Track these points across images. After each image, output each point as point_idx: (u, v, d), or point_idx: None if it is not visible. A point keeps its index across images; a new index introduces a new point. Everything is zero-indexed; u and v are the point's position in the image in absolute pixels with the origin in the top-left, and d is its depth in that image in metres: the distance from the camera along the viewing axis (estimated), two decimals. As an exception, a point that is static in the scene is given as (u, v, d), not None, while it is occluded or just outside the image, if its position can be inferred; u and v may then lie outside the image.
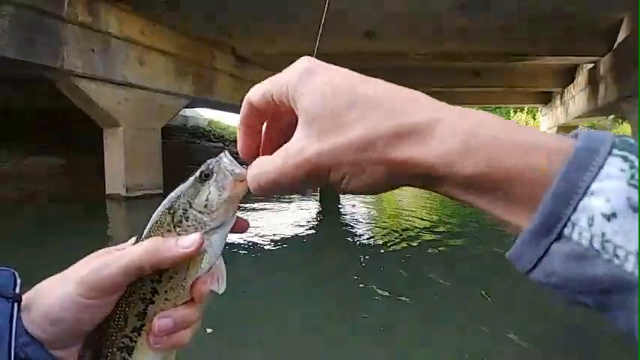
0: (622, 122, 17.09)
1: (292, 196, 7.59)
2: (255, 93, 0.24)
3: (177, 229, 0.27)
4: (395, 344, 1.75)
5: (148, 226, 0.28)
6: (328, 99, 0.20)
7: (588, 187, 0.14)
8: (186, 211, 0.26)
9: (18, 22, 4.74)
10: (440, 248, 3.62)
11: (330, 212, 6.27)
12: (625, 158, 0.14)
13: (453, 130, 0.18)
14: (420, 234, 4.11)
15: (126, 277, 0.26)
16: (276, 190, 0.22)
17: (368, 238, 4.00)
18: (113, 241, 4.21)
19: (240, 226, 0.29)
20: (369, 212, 6.23)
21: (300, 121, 0.21)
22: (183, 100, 7.55)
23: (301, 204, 6.78)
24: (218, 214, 0.26)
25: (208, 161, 0.27)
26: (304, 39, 8.17)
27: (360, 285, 2.55)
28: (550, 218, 0.15)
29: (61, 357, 0.26)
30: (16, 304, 0.24)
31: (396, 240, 3.84)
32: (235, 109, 9.58)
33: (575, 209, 0.15)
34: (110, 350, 0.27)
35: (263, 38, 8.03)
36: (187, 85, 7.47)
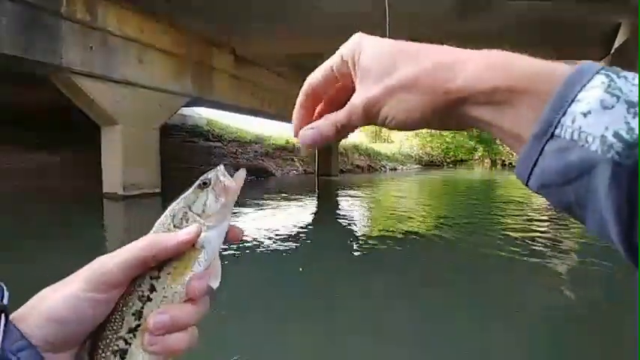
0: (618, 126, 17.22)
1: (292, 196, 7.59)
2: (315, 74, 0.29)
3: (177, 230, 0.30)
4: (391, 341, 1.75)
5: (153, 229, 0.31)
6: (379, 55, 0.25)
7: (576, 96, 0.19)
8: (186, 213, 0.30)
9: (16, 19, 4.72)
10: (431, 248, 3.63)
11: (327, 211, 6.28)
12: (607, 75, 0.19)
13: (476, 61, 0.23)
14: (412, 232, 4.12)
15: (129, 270, 0.27)
16: (340, 135, 0.28)
17: (362, 235, 4.01)
18: (110, 240, 4.19)
19: (235, 234, 0.32)
20: (363, 213, 6.23)
21: (358, 80, 0.26)
22: (182, 99, 7.53)
23: (300, 203, 6.78)
24: (214, 216, 0.30)
25: (207, 173, 0.31)
26: (303, 40, 8.19)
27: (354, 280, 2.56)
28: (546, 123, 0.19)
29: None
30: (3, 315, 0.24)
31: (390, 239, 3.85)
32: (234, 108, 9.58)
33: (564, 114, 0.19)
34: (104, 354, 0.27)
35: (263, 38, 8.03)
36: (186, 84, 7.46)
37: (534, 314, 2.07)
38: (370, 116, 0.26)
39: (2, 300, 0.25)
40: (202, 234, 0.29)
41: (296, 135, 0.30)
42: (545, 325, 1.93)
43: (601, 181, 0.18)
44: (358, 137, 23.33)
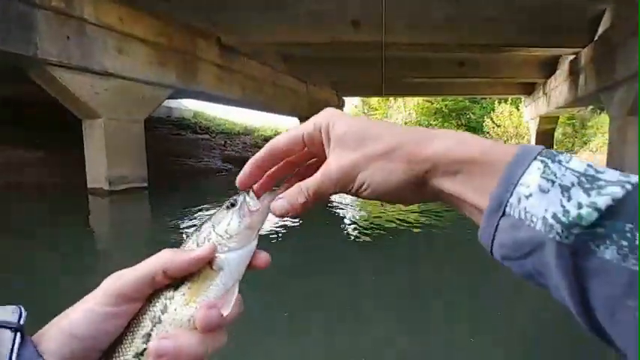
0: (600, 113, 17.64)
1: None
2: (280, 137, 0.30)
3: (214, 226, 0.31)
4: (384, 333, 1.79)
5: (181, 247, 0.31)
6: (356, 125, 0.27)
7: (519, 179, 0.22)
8: (210, 233, 0.30)
9: (-15, 7, 4.47)
10: (422, 242, 3.70)
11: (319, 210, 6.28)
12: (542, 161, 0.22)
13: (444, 138, 0.25)
14: (406, 229, 4.19)
15: (142, 285, 0.27)
16: (310, 204, 0.28)
17: (352, 224, 4.05)
18: (96, 236, 4.11)
19: (259, 261, 0.31)
20: (353, 202, 6.28)
21: (332, 147, 0.28)
22: (167, 91, 7.33)
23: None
24: (237, 239, 0.30)
25: (236, 195, 0.32)
26: (290, 28, 8.03)
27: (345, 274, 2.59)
28: (497, 200, 0.22)
29: None
30: (18, 334, 0.25)
31: (382, 227, 3.89)
32: (221, 99, 9.38)
33: (511, 194, 0.22)
34: None
35: (249, 27, 7.84)
36: (170, 75, 7.25)
37: (533, 303, 2.13)
38: (345, 182, 0.26)
39: (19, 321, 0.26)
40: (222, 255, 0.29)
41: (240, 185, 0.31)
42: (545, 320, 1.99)
43: (550, 257, 0.20)
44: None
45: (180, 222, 4.21)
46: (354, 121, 0.27)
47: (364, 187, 0.26)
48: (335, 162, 0.27)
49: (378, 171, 0.26)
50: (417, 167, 0.25)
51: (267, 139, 14.86)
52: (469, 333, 1.77)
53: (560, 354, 1.61)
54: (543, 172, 0.21)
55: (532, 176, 0.21)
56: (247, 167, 0.31)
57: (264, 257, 0.31)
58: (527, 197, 0.21)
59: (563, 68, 10.61)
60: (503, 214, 0.22)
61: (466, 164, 0.24)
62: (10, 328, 0.25)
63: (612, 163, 7.77)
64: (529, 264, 0.21)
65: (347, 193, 0.27)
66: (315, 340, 1.73)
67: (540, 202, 0.20)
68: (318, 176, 0.28)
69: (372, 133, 0.26)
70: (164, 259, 0.28)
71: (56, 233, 3.82)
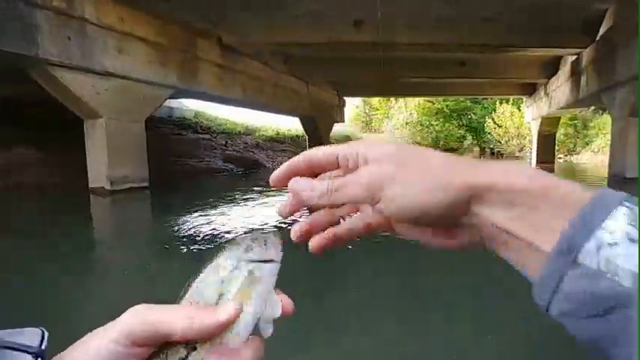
0: (602, 113, 17.58)
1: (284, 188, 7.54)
2: (319, 151, 0.29)
3: (224, 282, 0.27)
4: (382, 336, 1.78)
5: (207, 271, 0.28)
6: (397, 148, 0.26)
7: (601, 224, 0.19)
8: (240, 262, 0.28)
9: (-13, 7, 4.48)
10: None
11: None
12: (628, 207, 0.19)
13: (493, 165, 0.24)
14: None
15: (154, 341, 0.25)
16: (328, 199, 0.28)
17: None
18: (97, 236, 4.11)
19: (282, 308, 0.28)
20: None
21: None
22: (167, 91, 7.34)
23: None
24: (259, 274, 0.28)
25: (263, 230, 0.31)
26: (291, 29, 8.03)
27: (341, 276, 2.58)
28: (569, 242, 0.19)
29: None
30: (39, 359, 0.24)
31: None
32: (222, 99, 9.39)
33: (588, 239, 0.19)
34: None
35: (249, 27, 7.84)
36: (171, 75, 7.26)
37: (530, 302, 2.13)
38: (373, 188, 0.25)
39: (41, 345, 0.25)
40: (250, 265, 0.27)
41: (273, 183, 0.31)
42: (546, 321, 1.98)
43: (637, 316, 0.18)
44: (349, 128, 23.29)
45: (181, 222, 4.21)
46: (394, 145, 0.27)
47: (391, 197, 0.24)
48: (366, 169, 0.26)
49: (410, 185, 0.24)
50: (458, 188, 0.23)
51: (268, 139, 14.69)
52: (469, 334, 1.77)
53: (561, 355, 1.60)
54: (631, 220, 0.19)
55: (618, 223, 0.19)
56: (283, 168, 0.30)
57: (283, 306, 0.28)
58: (610, 245, 0.19)
59: (565, 69, 10.58)
60: (575, 260, 0.19)
61: (521, 195, 0.22)
62: (31, 353, 0.24)
63: (614, 164, 7.75)
64: (599, 324, 0.19)
65: (370, 204, 0.26)
66: (314, 340, 1.72)
67: (629, 253, 0.18)
68: (346, 178, 0.27)
69: (413, 154, 0.25)
70: (181, 324, 0.24)
71: (56, 233, 3.82)
